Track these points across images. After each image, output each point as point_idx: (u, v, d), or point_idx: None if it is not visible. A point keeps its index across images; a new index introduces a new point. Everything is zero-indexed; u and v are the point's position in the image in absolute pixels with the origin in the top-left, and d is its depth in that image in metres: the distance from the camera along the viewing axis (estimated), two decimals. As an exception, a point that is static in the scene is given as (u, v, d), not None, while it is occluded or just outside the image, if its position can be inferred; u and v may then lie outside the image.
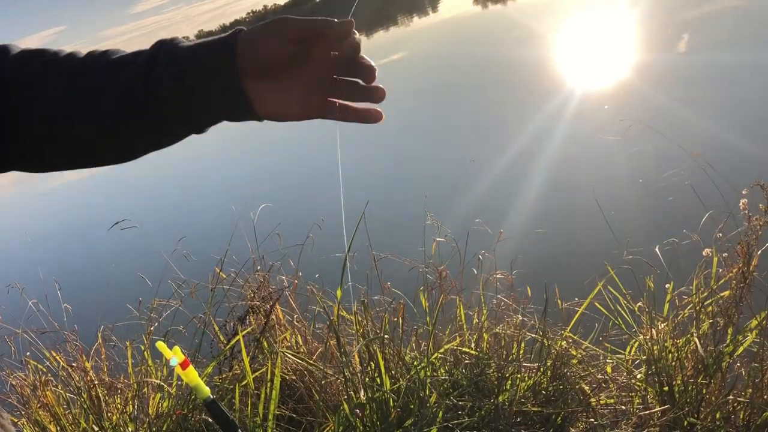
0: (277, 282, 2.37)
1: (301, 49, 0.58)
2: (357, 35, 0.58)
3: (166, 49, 0.59)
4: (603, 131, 5.65)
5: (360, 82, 0.60)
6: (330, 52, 0.59)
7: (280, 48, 0.57)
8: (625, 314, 1.99)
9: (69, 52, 0.63)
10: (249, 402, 1.95)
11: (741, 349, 1.79)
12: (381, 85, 0.60)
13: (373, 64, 0.59)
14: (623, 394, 1.99)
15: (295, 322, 2.35)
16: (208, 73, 0.57)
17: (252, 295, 2.30)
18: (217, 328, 2.33)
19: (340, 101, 0.62)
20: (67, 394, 2.20)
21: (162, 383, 2.14)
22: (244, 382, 2.03)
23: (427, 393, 1.95)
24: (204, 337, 2.24)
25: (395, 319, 2.07)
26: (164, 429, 2.01)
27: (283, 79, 0.59)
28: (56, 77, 0.60)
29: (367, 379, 1.93)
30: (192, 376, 0.92)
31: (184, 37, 0.63)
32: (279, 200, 6.64)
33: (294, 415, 2.06)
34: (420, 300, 2.14)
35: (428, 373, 1.98)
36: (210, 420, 1.93)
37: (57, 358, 2.21)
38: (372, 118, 0.62)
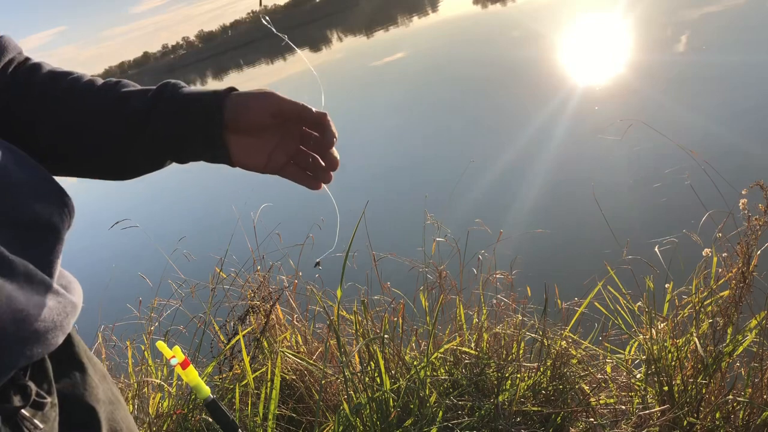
0: (277, 282, 2.37)
1: (279, 121, 0.70)
2: (332, 125, 0.71)
3: (167, 94, 0.71)
4: (603, 131, 5.65)
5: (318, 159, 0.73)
6: (301, 127, 0.72)
7: (261, 120, 0.69)
8: (624, 314, 1.99)
9: (90, 77, 0.75)
10: (249, 402, 1.95)
11: (740, 348, 1.79)
12: (336, 156, 0.73)
13: (336, 156, 0.72)
14: (623, 393, 1.99)
15: (295, 322, 2.35)
16: (196, 125, 0.69)
17: (252, 295, 2.31)
18: (217, 328, 2.34)
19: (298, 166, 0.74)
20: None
21: (162, 383, 2.14)
22: (244, 382, 2.03)
23: (427, 393, 1.94)
24: (204, 336, 2.24)
25: (395, 319, 2.07)
26: (164, 429, 2.00)
27: (259, 138, 0.71)
28: (80, 95, 0.72)
29: (367, 378, 1.93)
30: (192, 375, 0.92)
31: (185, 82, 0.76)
32: (279, 200, 6.63)
33: (294, 415, 2.06)
34: (420, 300, 2.14)
35: (428, 373, 1.98)
36: (210, 420, 1.93)
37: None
38: (313, 186, 0.74)
